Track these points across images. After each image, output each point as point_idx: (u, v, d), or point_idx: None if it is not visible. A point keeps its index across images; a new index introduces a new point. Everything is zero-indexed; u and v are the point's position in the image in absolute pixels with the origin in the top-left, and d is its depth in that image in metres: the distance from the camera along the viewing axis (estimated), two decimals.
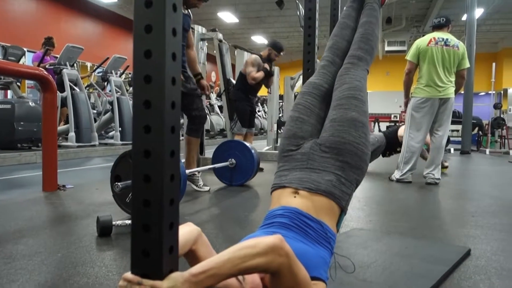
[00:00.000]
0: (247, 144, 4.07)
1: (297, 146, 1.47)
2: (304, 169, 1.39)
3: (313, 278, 1.14)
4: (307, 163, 1.40)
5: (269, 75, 5.17)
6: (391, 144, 5.16)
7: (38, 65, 6.62)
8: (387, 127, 19.27)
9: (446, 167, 5.28)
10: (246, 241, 0.95)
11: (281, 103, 10.99)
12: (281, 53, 5.22)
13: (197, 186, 3.66)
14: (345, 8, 1.87)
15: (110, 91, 8.01)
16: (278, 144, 1.54)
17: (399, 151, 5.26)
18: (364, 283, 1.56)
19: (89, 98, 8.61)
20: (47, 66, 6.81)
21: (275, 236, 0.96)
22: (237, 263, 0.89)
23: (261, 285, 1.07)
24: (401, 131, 5.12)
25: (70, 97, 6.70)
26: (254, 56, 5.11)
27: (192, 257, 1.12)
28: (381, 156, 5.31)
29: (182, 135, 4.21)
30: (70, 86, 6.81)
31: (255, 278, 1.05)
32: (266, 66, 5.07)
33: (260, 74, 5.01)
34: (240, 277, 1.01)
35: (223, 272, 0.88)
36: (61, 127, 6.99)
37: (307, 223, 1.25)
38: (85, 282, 1.56)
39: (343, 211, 1.35)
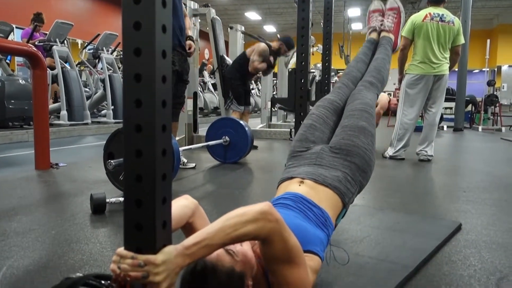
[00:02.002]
0: (241, 121, 4.06)
1: (308, 148, 1.57)
2: (313, 165, 1.46)
3: (309, 252, 1.15)
4: (316, 160, 1.48)
5: (270, 67, 5.15)
6: None
7: (27, 42, 6.49)
8: None
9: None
10: (236, 210, 0.96)
11: (275, 81, 10.93)
12: (291, 51, 5.21)
13: (181, 164, 3.65)
14: (362, 46, 2.07)
15: (101, 68, 7.89)
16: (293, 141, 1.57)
17: None
18: (357, 257, 1.58)
19: (81, 76, 8.50)
20: (36, 43, 6.67)
21: (264, 203, 0.97)
22: (228, 232, 0.90)
23: (254, 258, 1.08)
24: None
25: (61, 75, 6.60)
26: (264, 46, 5.05)
27: (189, 230, 1.14)
28: None
29: None
30: (61, 63, 6.70)
31: (247, 251, 1.06)
32: (271, 59, 5.03)
33: (263, 66, 4.99)
34: (232, 251, 1.01)
35: (215, 242, 0.89)
36: (53, 105, 6.91)
37: (309, 207, 1.30)
38: (80, 258, 1.56)
39: (344, 207, 1.40)
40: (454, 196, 2.79)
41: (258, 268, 1.11)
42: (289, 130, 6.35)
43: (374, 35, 1.99)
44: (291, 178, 1.44)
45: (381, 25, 1.96)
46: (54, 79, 6.76)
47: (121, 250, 0.83)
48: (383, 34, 1.97)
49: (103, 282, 0.89)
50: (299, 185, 1.39)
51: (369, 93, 1.75)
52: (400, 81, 4.60)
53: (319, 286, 1.25)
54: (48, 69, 6.44)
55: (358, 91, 1.77)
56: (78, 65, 8.51)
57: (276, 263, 1.01)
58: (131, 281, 0.79)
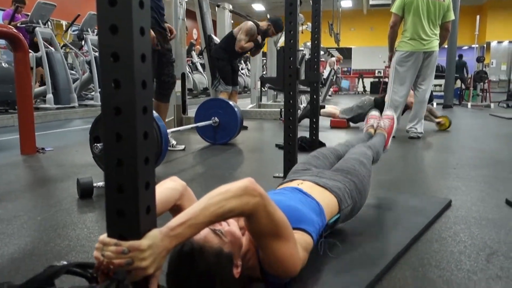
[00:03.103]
0: (230, 102, 4.01)
1: (309, 168, 1.67)
2: (314, 176, 1.53)
3: (299, 229, 1.14)
4: (318, 173, 1.56)
5: (258, 47, 5.05)
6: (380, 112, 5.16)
7: (9, 24, 6.30)
8: (371, 83, 19.28)
9: (440, 123, 5.18)
10: (219, 187, 0.94)
11: (264, 60, 10.81)
12: (279, 34, 5.11)
13: (170, 146, 3.61)
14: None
15: (87, 51, 7.72)
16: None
17: None
18: (347, 235, 1.57)
19: (66, 58, 8.31)
20: (18, 25, 6.49)
21: (246, 179, 0.97)
22: (213, 210, 0.89)
23: (242, 237, 1.06)
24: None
25: (45, 57, 6.45)
26: (251, 24, 4.91)
27: (178, 213, 1.10)
28: None
29: None
30: (45, 45, 6.54)
31: (235, 230, 1.04)
32: (259, 38, 4.93)
33: (250, 45, 4.88)
34: (219, 232, 1.00)
35: (200, 221, 0.87)
36: (38, 89, 6.77)
37: (305, 197, 1.33)
38: (67, 244, 1.53)
39: (339, 212, 1.41)
40: (444, 173, 2.80)
41: (250, 247, 1.10)
42: (279, 110, 6.31)
43: (371, 130, 2.29)
44: (291, 180, 1.52)
45: (378, 124, 2.30)
46: (39, 62, 6.61)
47: (104, 237, 0.80)
48: (378, 130, 2.26)
49: (89, 270, 0.87)
50: (298, 184, 1.45)
51: (368, 151, 1.85)
52: (390, 58, 4.57)
53: (308, 266, 1.24)
54: (31, 51, 6.32)
55: (357, 147, 1.90)
56: (63, 47, 8.31)
57: (264, 238, 1.00)
58: (115, 269, 0.76)
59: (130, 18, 0.72)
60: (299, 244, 1.08)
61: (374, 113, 2.44)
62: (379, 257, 1.36)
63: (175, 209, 1.12)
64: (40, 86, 7.08)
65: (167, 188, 1.12)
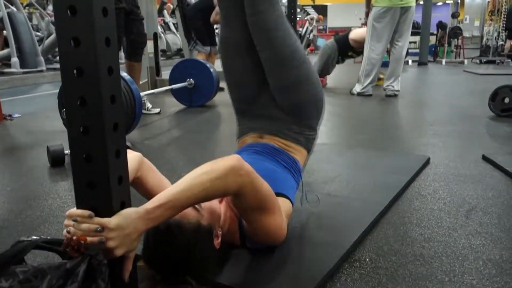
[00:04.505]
0: (206, 63, 3.88)
1: (251, 104, 1.41)
2: (265, 119, 1.37)
3: (280, 195, 1.10)
4: (267, 114, 1.37)
5: None
6: (344, 49, 5.11)
7: None
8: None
9: (382, 79, 5.09)
10: (202, 166, 0.87)
11: None
12: None
13: (145, 109, 3.50)
14: None
15: (53, 10, 7.32)
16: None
17: (351, 56, 5.26)
18: (329, 197, 1.56)
19: (31, 20, 7.86)
20: None
21: (232, 156, 0.90)
22: (195, 192, 0.82)
23: (219, 205, 1.02)
24: (352, 34, 5.06)
25: (7, 18, 6.07)
26: None
27: (140, 185, 1.04)
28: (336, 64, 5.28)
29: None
30: (5, 5, 6.14)
31: (213, 202, 0.99)
32: None
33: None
34: (197, 205, 0.94)
35: (181, 204, 0.81)
36: (1, 52, 6.43)
37: (277, 152, 1.28)
38: (38, 215, 1.47)
39: (308, 152, 1.38)
40: (422, 130, 2.81)
41: (230, 214, 1.06)
42: None
43: None
44: (248, 133, 1.39)
45: None
46: (0, 24, 6.23)
47: (73, 210, 0.74)
48: None
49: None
50: (261, 137, 1.35)
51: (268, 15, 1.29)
52: (367, 14, 4.48)
53: (293, 229, 1.22)
54: None
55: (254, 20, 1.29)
56: (27, 8, 7.86)
57: (250, 213, 0.97)
58: (86, 244, 0.71)
59: None
60: (283, 212, 1.05)
61: None
62: (362, 217, 1.35)
63: (136, 181, 1.03)
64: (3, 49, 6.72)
65: None
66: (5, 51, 6.49)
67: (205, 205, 0.96)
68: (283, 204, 1.10)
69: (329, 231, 1.26)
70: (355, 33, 5.04)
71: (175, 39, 10.61)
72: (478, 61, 9.50)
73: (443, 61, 9.42)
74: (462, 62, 9.28)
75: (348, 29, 5.56)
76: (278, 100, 1.35)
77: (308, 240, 1.22)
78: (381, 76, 5.12)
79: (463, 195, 1.61)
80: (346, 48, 5.08)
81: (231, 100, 1.46)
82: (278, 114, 1.35)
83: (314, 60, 10.76)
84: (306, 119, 1.35)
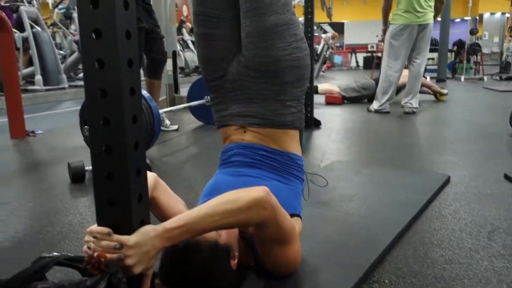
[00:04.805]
0: None
1: (221, 70, 1.20)
2: (241, 100, 1.19)
3: (293, 215, 1.09)
4: (241, 92, 1.18)
5: None
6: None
7: None
8: (364, 58, 19.14)
9: (446, 94, 5.51)
10: (227, 193, 0.87)
11: None
12: None
13: (164, 126, 3.55)
14: None
15: (75, 30, 7.53)
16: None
17: None
18: (347, 216, 1.54)
19: (54, 38, 8.10)
20: (2, 4, 6.29)
21: (261, 189, 0.88)
22: (216, 219, 0.82)
23: (237, 231, 1.02)
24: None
25: (32, 37, 6.27)
26: None
27: (154, 205, 1.04)
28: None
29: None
30: (31, 25, 6.35)
31: None
32: None
33: None
34: None
35: (199, 228, 0.81)
36: (26, 70, 6.61)
37: (270, 157, 1.15)
38: (59, 231, 1.49)
39: (300, 129, 1.22)
40: (441, 148, 2.77)
41: (242, 239, 1.05)
42: None
43: None
44: (228, 125, 1.22)
45: None
46: (25, 42, 6.42)
47: (94, 227, 0.76)
48: None
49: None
50: (244, 131, 1.18)
51: None
52: (384, 32, 4.49)
53: (310, 248, 1.21)
54: (17, 32, 6.14)
55: None
56: (51, 27, 8.09)
57: (269, 244, 0.96)
58: (106, 262, 0.72)
59: None
60: (297, 234, 1.04)
61: None
62: (381, 237, 1.33)
63: (151, 202, 1.04)
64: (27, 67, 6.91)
65: None
66: (30, 69, 6.67)
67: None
68: (297, 224, 1.07)
69: (347, 251, 1.25)
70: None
71: (193, 56, 10.77)
72: (498, 77, 9.37)
73: (462, 77, 9.32)
74: (482, 79, 9.16)
75: (365, 45, 5.66)
76: (249, 54, 1.14)
77: (326, 260, 1.20)
78: (444, 91, 5.51)
79: (485, 215, 1.57)
80: None
81: (200, 61, 1.26)
82: (254, 86, 1.16)
83: (331, 77, 10.64)
84: (285, 84, 1.14)
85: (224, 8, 1.18)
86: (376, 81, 5.23)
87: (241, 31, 1.18)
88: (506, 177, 2.02)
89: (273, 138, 1.17)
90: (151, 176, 1.04)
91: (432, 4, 4.21)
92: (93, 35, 0.68)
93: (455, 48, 9.86)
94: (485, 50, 15.00)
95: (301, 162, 1.20)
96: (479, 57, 10.00)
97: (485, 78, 9.18)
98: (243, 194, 0.86)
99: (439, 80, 8.90)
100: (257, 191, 0.87)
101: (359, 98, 5.38)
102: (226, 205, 0.84)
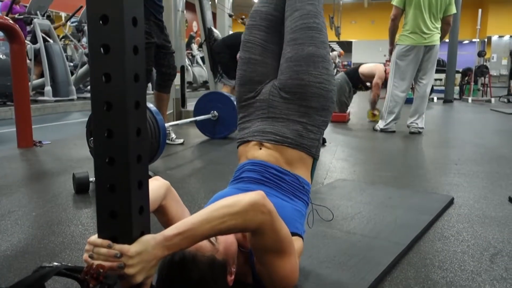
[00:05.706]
0: (230, 96, 3.96)
1: (255, 91, 1.33)
2: (266, 118, 1.28)
3: (294, 234, 1.09)
4: (268, 111, 1.29)
5: None
6: (354, 83, 5.25)
7: (7, 15, 6.23)
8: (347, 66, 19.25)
9: (376, 115, 5.28)
10: (224, 199, 0.88)
11: None
12: None
13: (169, 140, 3.57)
14: None
15: (86, 42, 7.65)
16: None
17: (360, 89, 5.34)
18: (348, 235, 1.54)
19: (65, 50, 8.23)
20: (16, 17, 6.42)
21: (257, 192, 0.89)
22: (215, 224, 0.83)
23: (236, 243, 1.02)
24: (362, 68, 5.21)
25: (43, 49, 6.38)
26: None
27: (162, 213, 1.06)
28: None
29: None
30: (43, 37, 6.47)
31: (229, 238, 0.99)
32: None
33: None
34: (212, 239, 0.95)
35: (199, 234, 0.82)
36: (37, 81, 6.71)
37: (279, 176, 1.19)
38: (61, 241, 1.50)
39: (315, 158, 1.28)
40: (446, 169, 2.76)
41: (241, 253, 1.05)
42: None
43: None
44: (248, 141, 1.28)
45: None
46: (37, 54, 6.54)
47: (94, 238, 0.76)
48: None
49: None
50: (260, 148, 1.24)
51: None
52: (390, 52, 4.52)
53: (310, 266, 1.20)
54: (30, 43, 6.26)
55: None
56: (62, 40, 8.23)
57: (266, 254, 0.96)
58: (105, 273, 0.73)
59: (121, 7, 0.68)
60: (297, 253, 1.04)
61: None
62: (381, 257, 1.33)
63: (160, 210, 1.06)
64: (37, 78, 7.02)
65: (152, 188, 1.06)
66: (40, 80, 6.77)
67: (220, 239, 0.97)
68: (297, 243, 1.07)
69: (347, 271, 1.24)
70: (365, 67, 5.24)
71: (201, 71, 10.88)
72: (505, 100, 9.36)
73: (469, 99, 9.32)
74: (489, 101, 9.15)
75: (357, 64, 5.67)
76: (284, 77, 1.27)
77: (325, 279, 1.20)
78: (376, 112, 5.29)
79: (488, 238, 1.56)
80: (356, 82, 5.24)
81: (237, 84, 1.38)
82: (281, 106, 1.27)
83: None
84: (309, 108, 1.25)
85: (269, 40, 1.36)
86: (350, 71, 5.40)
87: (281, 57, 1.32)
88: (511, 200, 2.01)
89: (286, 159, 1.22)
90: (163, 184, 1.07)
91: (439, 25, 4.24)
92: (102, 50, 0.70)
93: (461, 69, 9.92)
94: (493, 72, 14.99)
95: (308, 187, 1.23)
96: (487, 79, 10.01)
97: (493, 100, 9.17)
98: (240, 198, 0.87)
99: (446, 101, 8.90)
100: (253, 195, 0.88)
101: (338, 104, 5.26)
102: (224, 209, 0.84)
